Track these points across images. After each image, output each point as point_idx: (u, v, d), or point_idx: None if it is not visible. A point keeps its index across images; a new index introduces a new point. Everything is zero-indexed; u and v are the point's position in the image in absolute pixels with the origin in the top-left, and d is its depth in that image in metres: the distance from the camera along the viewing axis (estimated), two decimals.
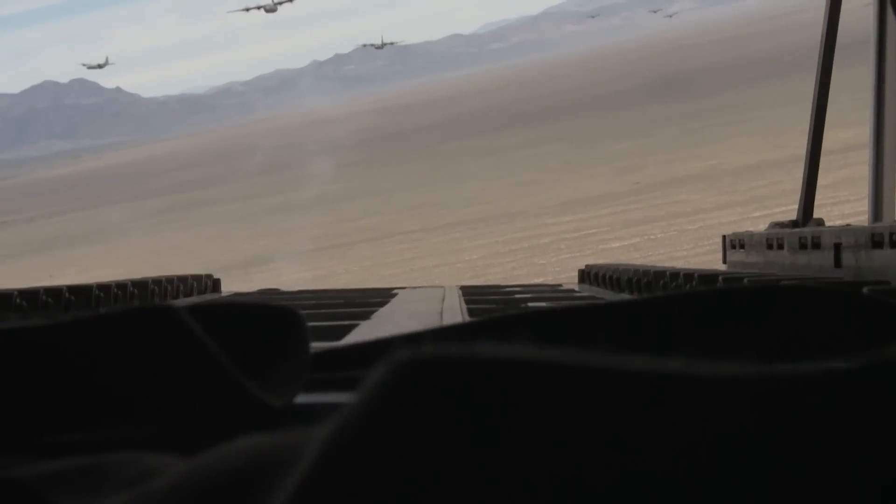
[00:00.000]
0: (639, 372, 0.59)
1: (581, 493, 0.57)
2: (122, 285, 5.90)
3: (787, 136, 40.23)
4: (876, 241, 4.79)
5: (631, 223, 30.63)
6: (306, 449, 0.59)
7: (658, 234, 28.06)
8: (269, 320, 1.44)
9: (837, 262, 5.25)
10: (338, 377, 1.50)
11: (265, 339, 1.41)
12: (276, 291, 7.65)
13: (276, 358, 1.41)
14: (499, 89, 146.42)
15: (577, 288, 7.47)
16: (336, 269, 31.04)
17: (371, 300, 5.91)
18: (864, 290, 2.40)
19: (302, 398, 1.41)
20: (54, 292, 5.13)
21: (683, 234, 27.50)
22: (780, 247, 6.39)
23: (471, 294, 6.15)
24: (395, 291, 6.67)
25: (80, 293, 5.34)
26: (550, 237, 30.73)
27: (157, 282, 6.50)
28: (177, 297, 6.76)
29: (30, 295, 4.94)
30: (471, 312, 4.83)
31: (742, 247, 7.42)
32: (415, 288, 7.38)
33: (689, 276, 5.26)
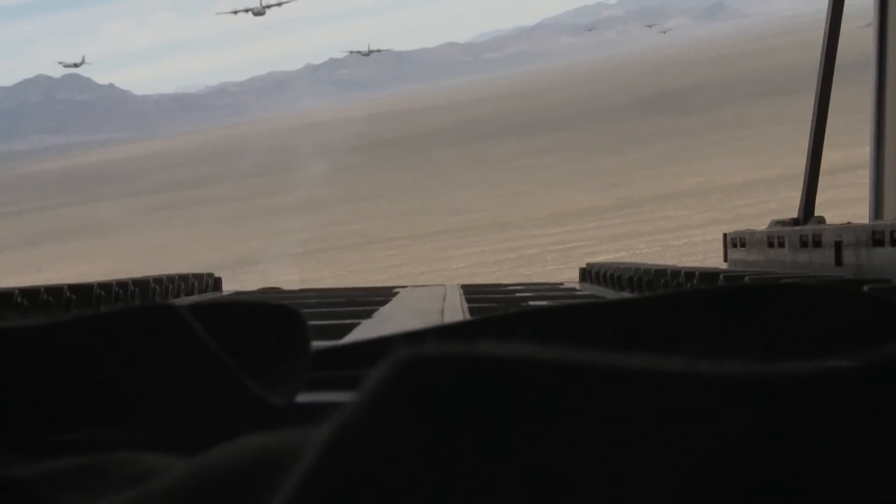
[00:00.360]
0: (640, 371, 0.59)
1: (581, 492, 0.57)
2: (123, 284, 5.82)
3: (776, 155, 40.61)
4: (877, 238, 4.76)
5: (617, 237, 30.93)
6: (307, 448, 0.59)
7: (643, 249, 28.33)
8: (271, 319, 1.43)
9: (838, 261, 5.21)
10: (339, 376, 1.50)
11: (266, 337, 1.41)
12: (276, 290, 7.55)
13: (277, 357, 1.40)
14: (492, 99, 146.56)
15: (578, 286, 7.37)
16: (323, 273, 31.26)
17: (372, 299, 5.81)
18: (865, 288, 2.40)
19: (303, 397, 1.40)
20: (55, 291, 5.04)
21: (668, 249, 27.77)
22: (781, 245, 6.33)
23: (472, 293, 6.06)
24: (397, 290, 6.55)
25: (81, 292, 5.24)
26: (537, 248, 31.02)
27: (159, 280, 6.41)
28: (178, 295, 6.67)
29: (30, 293, 4.84)
30: (472, 311, 4.78)
31: (743, 245, 7.35)
32: (416, 287, 7.27)
33: (689, 274, 5.19)
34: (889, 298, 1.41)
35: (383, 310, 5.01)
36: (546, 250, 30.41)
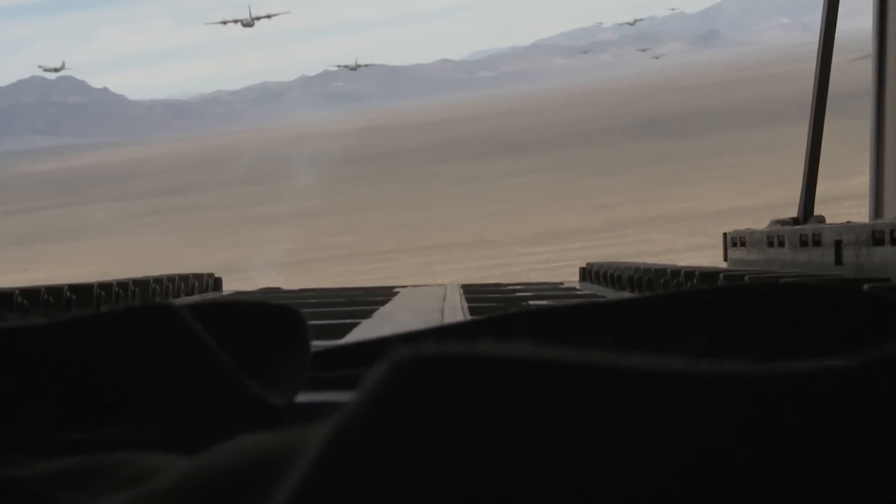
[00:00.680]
0: (639, 370, 0.59)
1: (581, 491, 0.57)
2: (123, 284, 5.81)
3: (763, 183, 40.94)
4: (877, 238, 4.76)
5: (602, 258, 31.12)
6: (307, 447, 0.59)
7: None
8: (270, 319, 1.43)
9: (838, 260, 5.21)
10: (338, 376, 1.50)
11: (266, 337, 1.40)
12: (277, 290, 7.60)
13: (276, 356, 1.40)
14: (484, 117, 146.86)
15: (578, 286, 7.36)
16: (308, 284, 31.36)
17: (372, 299, 5.82)
18: (865, 287, 2.39)
19: (303, 397, 1.40)
20: (55, 291, 5.03)
21: None
22: (781, 244, 6.35)
23: (472, 292, 6.06)
24: (397, 290, 6.54)
25: (82, 292, 5.23)
26: (521, 266, 31.26)
27: (159, 280, 6.40)
28: (178, 295, 6.67)
29: (31, 293, 4.85)
30: (472, 311, 4.78)
31: (743, 244, 7.35)
32: (416, 286, 7.30)
33: (689, 274, 5.18)
34: (889, 297, 1.41)
35: (383, 310, 5.03)
36: (531, 269, 30.64)
